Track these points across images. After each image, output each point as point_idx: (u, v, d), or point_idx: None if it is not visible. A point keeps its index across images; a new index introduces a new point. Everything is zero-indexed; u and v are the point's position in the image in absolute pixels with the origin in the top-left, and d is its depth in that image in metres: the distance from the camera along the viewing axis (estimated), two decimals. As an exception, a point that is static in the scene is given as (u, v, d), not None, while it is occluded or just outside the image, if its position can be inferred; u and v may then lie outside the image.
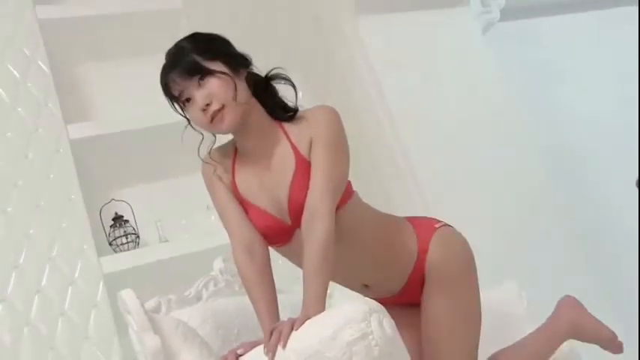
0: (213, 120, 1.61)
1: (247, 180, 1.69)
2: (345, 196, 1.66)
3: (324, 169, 1.60)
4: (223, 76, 1.61)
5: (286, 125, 1.69)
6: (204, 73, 1.61)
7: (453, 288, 1.69)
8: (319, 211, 1.57)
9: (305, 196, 1.60)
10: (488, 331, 1.81)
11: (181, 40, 1.69)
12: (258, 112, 1.68)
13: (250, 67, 1.69)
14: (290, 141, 1.66)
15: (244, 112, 1.64)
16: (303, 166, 1.63)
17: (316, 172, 1.61)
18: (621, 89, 3.73)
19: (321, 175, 1.60)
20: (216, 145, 1.76)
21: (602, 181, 3.54)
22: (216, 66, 1.62)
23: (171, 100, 1.66)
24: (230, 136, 1.74)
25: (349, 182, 1.70)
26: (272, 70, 1.72)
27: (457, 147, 3.08)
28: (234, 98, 1.61)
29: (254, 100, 1.68)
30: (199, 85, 1.61)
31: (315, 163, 1.62)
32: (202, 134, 1.71)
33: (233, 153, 1.73)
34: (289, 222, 1.65)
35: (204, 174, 1.75)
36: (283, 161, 1.65)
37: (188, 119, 1.67)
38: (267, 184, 1.67)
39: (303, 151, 1.64)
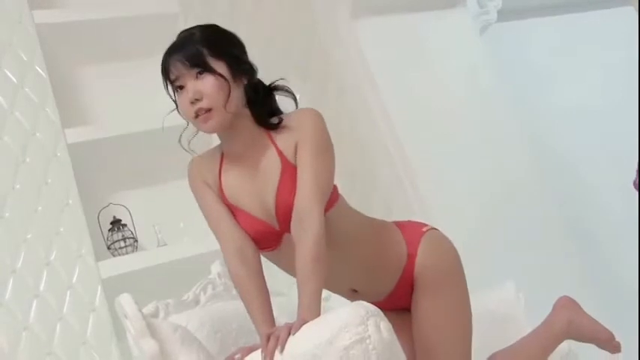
0: (198, 117, 1.61)
1: (234, 185, 1.69)
2: (331, 200, 1.66)
3: (311, 172, 1.60)
4: (221, 79, 1.60)
5: (272, 131, 1.68)
6: (204, 68, 1.60)
7: (443, 290, 1.70)
8: (308, 214, 1.56)
9: (292, 200, 1.60)
10: (486, 331, 1.81)
11: (197, 27, 1.68)
12: (248, 120, 1.67)
13: (253, 78, 1.68)
14: (276, 146, 1.66)
15: (230, 119, 1.63)
16: (289, 171, 1.63)
17: (303, 175, 1.60)
18: (618, 89, 3.73)
19: (307, 179, 1.60)
20: (203, 139, 1.75)
21: (598, 181, 3.54)
22: (219, 66, 1.61)
23: (165, 81, 1.66)
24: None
25: (335, 186, 1.70)
26: (275, 80, 1.71)
27: (455, 148, 3.08)
28: (224, 105, 1.60)
29: (245, 109, 1.67)
30: (196, 78, 1.60)
31: (301, 167, 1.62)
32: (187, 122, 1.69)
33: (220, 158, 1.72)
34: (278, 226, 1.65)
35: (191, 180, 1.74)
36: (270, 166, 1.65)
37: (177, 104, 1.66)
38: (255, 190, 1.67)
39: (289, 155, 1.64)
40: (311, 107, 1.70)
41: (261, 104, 1.68)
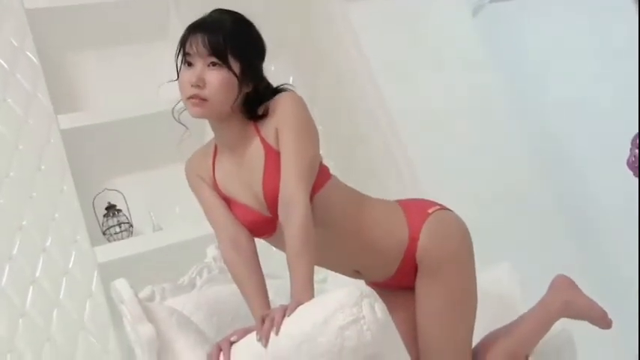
0: (191, 99, 1.61)
1: (226, 178, 1.71)
2: (321, 179, 1.66)
3: (292, 154, 1.60)
4: (232, 78, 1.60)
5: (258, 122, 1.69)
6: (221, 61, 1.60)
7: (446, 277, 1.68)
8: (293, 196, 1.56)
9: (278, 185, 1.60)
10: (482, 312, 1.81)
11: (233, 15, 1.66)
12: (239, 117, 1.68)
13: (259, 87, 1.67)
14: (259, 134, 1.66)
15: (221, 114, 1.64)
16: (273, 156, 1.63)
17: (285, 159, 1.61)
18: (613, 73, 3.72)
19: (290, 161, 1.60)
20: (197, 133, 1.79)
21: (597, 166, 3.54)
22: (235, 65, 1.60)
23: (180, 48, 1.65)
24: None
25: (326, 167, 1.70)
26: (282, 84, 1.71)
27: (448, 131, 3.08)
28: (224, 101, 1.61)
29: (239, 108, 1.67)
30: (208, 65, 1.60)
31: (283, 151, 1.62)
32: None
33: (213, 152, 1.74)
34: (269, 214, 1.66)
35: (187, 174, 1.77)
36: (255, 155, 1.66)
37: (178, 74, 1.66)
38: (244, 179, 1.68)
39: (271, 141, 1.64)
40: (292, 91, 1.70)
41: (258, 104, 1.68)
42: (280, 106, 1.65)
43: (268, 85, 1.71)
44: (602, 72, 3.71)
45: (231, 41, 1.60)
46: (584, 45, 3.77)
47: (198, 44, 1.60)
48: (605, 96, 3.66)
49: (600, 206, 3.47)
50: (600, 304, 1.96)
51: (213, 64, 1.60)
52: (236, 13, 1.68)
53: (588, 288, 2.01)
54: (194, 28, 1.63)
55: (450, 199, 2.77)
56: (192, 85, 1.60)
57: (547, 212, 3.13)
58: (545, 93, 3.64)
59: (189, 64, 1.62)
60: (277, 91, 1.70)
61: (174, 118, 1.73)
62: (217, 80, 1.59)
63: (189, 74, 1.61)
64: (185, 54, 1.63)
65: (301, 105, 1.66)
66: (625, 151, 2.66)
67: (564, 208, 3.22)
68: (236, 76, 1.60)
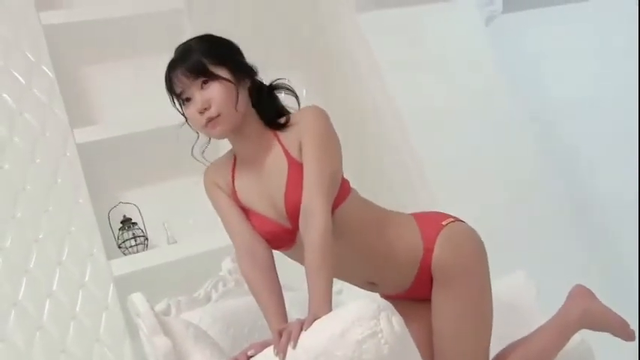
0: (208, 124, 1.63)
1: (246, 188, 1.71)
2: (342, 194, 1.66)
3: (315, 166, 1.61)
4: (227, 83, 1.62)
5: (279, 131, 1.70)
6: (208, 76, 1.62)
7: (461, 288, 1.67)
8: (314, 209, 1.57)
9: (300, 197, 1.60)
10: (498, 321, 1.79)
11: (193, 39, 1.69)
12: (256, 122, 1.69)
13: (255, 78, 1.70)
14: (282, 145, 1.67)
15: (239, 121, 1.65)
16: (296, 168, 1.64)
17: (307, 171, 1.61)
18: (625, 78, 3.70)
19: (312, 174, 1.60)
20: (211, 147, 1.78)
21: (592, 164, 3.53)
22: (222, 72, 1.63)
23: (171, 96, 1.67)
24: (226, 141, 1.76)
25: (347, 180, 1.70)
26: (276, 80, 1.72)
27: (461, 139, 3.08)
28: (234, 107, 1.62)
29: (252, 110, 1.69)
30: (202, 87, 1.62)
31: (305, 163, 1.62)
32: (198, 133, 1.72)
33: (232, 162, 1.75)
34: (290, 226, 1.66)
35: (205, 185, 1.77)
36: (277, 166, 1.66)
37: (185, 117, 1.68)
38: (265, 190, 1.68)
39: (294, 153, 1.65)
40: (315, 104, 1.71)
41: (266, 104, 1.70)
42: (305, 118, 1.66)
43: (261, 82, 1.72)
44: (602, 72, 3.69)
45: (204, 56, 1.63)
46: (584, 45, 3.76)
47: (181, 78, 1.63)
48: (605, 96, 3.64)
49: (603, 206, 3.45)
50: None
51: (205, 82, 1.62)
52: (193, 37, 1.71)
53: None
54: (170, 70, 1.66)
55: (459, 202, 2.78)
56: (200, 113, 1.62)
57: (552, 212, 3.11)
58: (556, 97, 3.63)
59: (188, 100, 1.64)
60: (273, 86, 1.71)
61: (193, 157, 1.75)
62: (217, 91, 1.61)
63: (193, 107, 1.63)
64: (179, 95, 1.65)
65: (326, 119, 1.67)
66: (626, 151, 2.65)
67: (567, 208, 3.20)
68: (228, 80, 1.63)
